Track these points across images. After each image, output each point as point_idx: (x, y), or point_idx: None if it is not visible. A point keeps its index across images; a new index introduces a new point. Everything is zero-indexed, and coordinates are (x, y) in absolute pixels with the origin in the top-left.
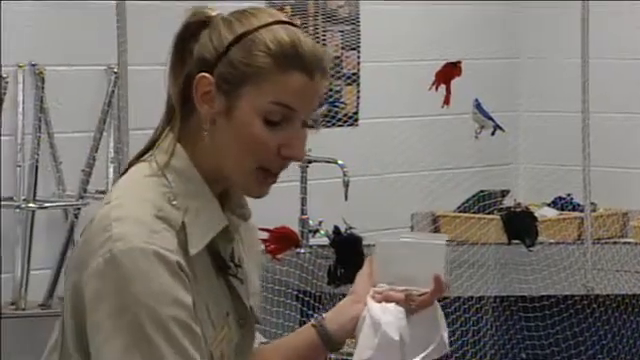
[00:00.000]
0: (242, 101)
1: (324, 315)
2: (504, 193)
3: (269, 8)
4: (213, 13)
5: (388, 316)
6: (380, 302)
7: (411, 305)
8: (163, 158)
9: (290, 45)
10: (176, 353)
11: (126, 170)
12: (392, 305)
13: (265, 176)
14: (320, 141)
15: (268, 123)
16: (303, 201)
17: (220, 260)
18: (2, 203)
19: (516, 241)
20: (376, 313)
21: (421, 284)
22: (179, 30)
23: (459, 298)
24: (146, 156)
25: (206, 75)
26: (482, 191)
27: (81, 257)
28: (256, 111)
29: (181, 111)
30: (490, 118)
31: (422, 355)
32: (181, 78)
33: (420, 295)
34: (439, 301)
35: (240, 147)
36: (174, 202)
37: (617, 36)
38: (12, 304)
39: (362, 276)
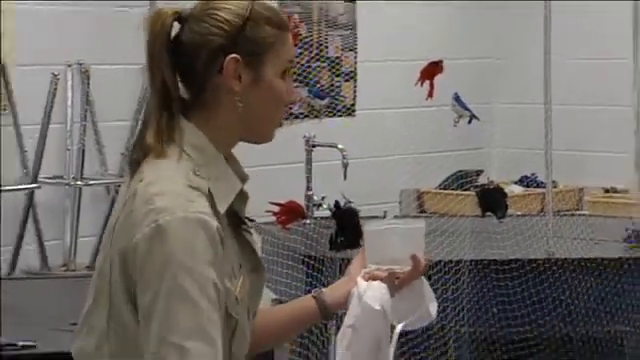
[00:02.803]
0: (266, 68)
1: (323, 289)
2: (478, 173)
3: None
4: (177, 9)
5: (371, 291)
6: (368, 281)
7: (395, 282)
8: (180, 135)
9: (275, 13)
10: (210, 306)
11: (144, 154)
12: (377, 282)
13: (280, 123)
14: (323, 129)
15: (282, 78)
16: (308, 179)
17: (236, 218)
18: (55, 181)
19: (489, 213)
20: (362, 289)
21: (404, 263)
22: (159, 30)
23: (440, 262)
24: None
25: (235, 56)
26: (460, 171)
27: (127, 227)
28: (277, 72)
29: (190, 93)
30: (467, 109)
31: (406, 321)
32: (170, 70)
33: (402, 273)
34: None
35: (273, 104)
36: (198, 173)
37: (578, 39)
38: (63, 266)
39: (356, 260)
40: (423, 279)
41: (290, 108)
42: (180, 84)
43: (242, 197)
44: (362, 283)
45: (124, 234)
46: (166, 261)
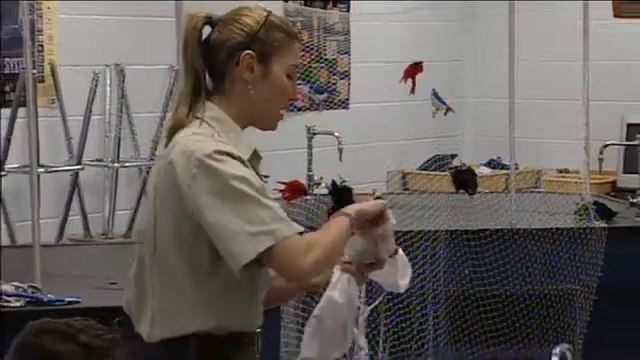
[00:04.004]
0: (274, 66)
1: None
2: (453, 156)
3: (256, 2)
4: (208, 14)
5: (340, 283)
6: (342, 271)
7: (364, 272)
8: (202, 112)
9: (287, 24)
10: (271, 202)
11: (175, 125)
12: (346, 275)
13: (281, 115)
14: (322, 120)
15: (288, 77)
16: (309, 162)
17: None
18: (96, 163)
19: (461, 191)
20: (333, 281)
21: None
22: (192, 30)
23: (421, 231)
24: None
25: (250, 52)
26: (437, 155)
27: (171, 181)
28: (283, 71)
29: (213, 81)
30: (444, 103)
31: (384, 286)
32: (201, 62)
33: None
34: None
35: (276, 97)
36: (219, 138)
37: (537, 43)
38: (103, 234)
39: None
40: (398, 259)
41: (294, 102)
42: (207, 75)
43: (257, 156)
44: (335, 275)
45: (169, 189)
46: (219, 181)
